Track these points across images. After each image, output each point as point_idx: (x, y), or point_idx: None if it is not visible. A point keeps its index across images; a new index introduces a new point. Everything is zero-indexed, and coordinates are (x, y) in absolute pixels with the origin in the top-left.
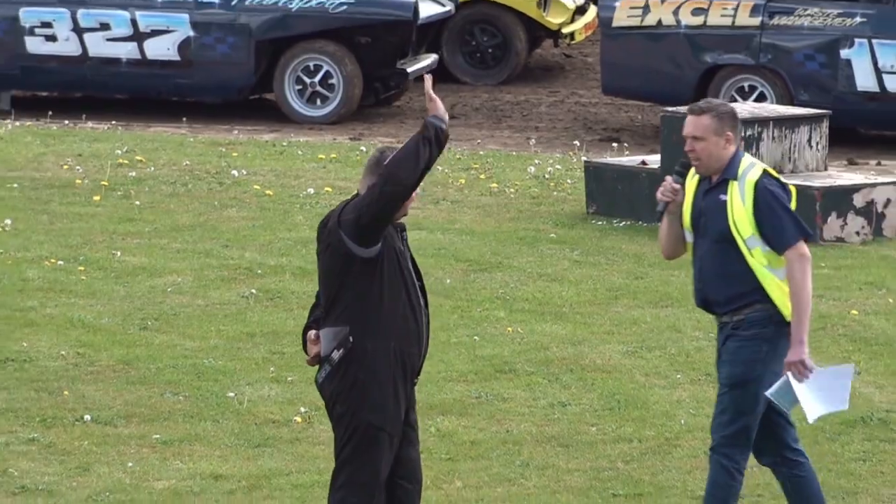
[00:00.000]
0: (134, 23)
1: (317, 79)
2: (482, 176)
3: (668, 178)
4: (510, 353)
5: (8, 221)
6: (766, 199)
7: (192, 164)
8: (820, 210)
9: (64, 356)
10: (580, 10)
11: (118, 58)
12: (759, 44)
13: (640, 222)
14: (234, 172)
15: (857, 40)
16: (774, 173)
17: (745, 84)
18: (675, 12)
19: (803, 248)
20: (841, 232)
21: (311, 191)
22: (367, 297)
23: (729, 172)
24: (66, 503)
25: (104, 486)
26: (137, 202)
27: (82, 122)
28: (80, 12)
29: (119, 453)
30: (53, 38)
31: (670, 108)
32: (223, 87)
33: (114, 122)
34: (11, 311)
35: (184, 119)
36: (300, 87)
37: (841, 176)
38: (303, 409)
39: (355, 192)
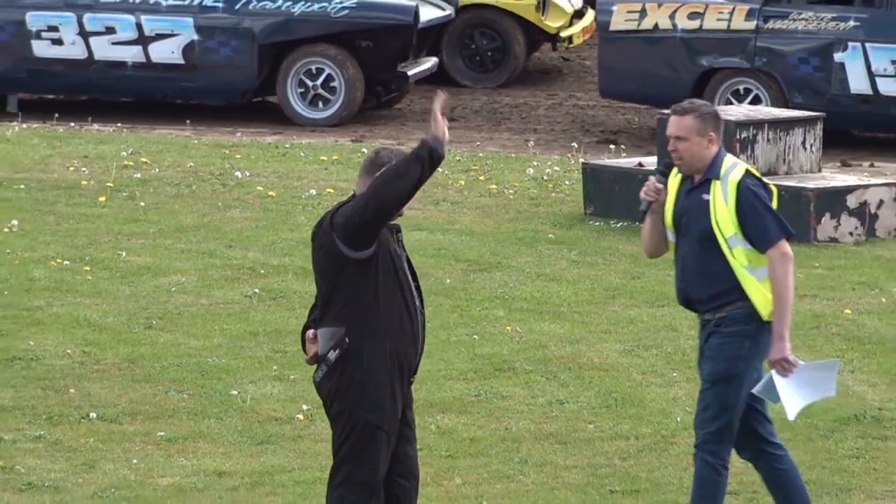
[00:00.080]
0: (139, 27)
1: (319, 82)
2: (481, 177)
3: (651, 178)
4: (509, 352)
5: (15, 222)
6: (749, 199)
7: (196, 165)
8: (814, 211)
9: (70, 355)
10: (578, 14)
11: (124, 61)
12: (754, 47)
13: (637, 223)
14: (238, 174)
15: (850, 44)
16: (756, 173)
17: (741, 87)
18: (672, 16)
19: (785, 246)
20: (835, 232)
21: (314, 192)
22: (362, 298)
23: (711, 172)
24: (72, 499)
25: (109, 482)
26: (142, 203)
27: (88, 124)
28: (87, 16)
29: (124, 450)
30: (60, 41)
31: (667, 111)
32: (227, 90)
33: (119, 125)
34: (18, 311)
35: (188, 121)
36: (302, 90)
37: (835, 177)
38: (305, 407)
39: (352, 192)
